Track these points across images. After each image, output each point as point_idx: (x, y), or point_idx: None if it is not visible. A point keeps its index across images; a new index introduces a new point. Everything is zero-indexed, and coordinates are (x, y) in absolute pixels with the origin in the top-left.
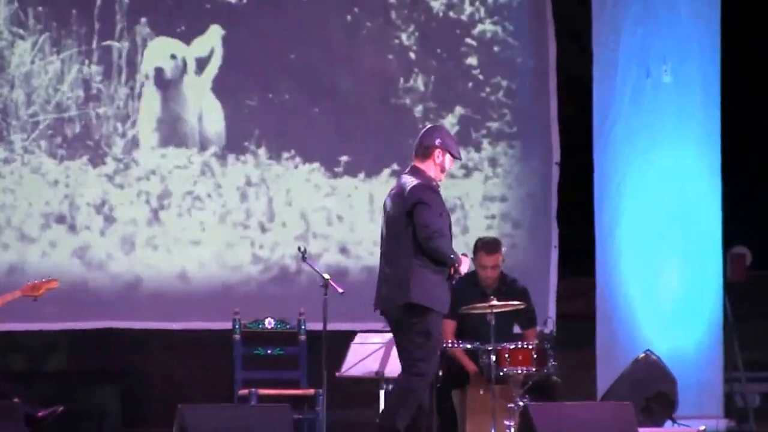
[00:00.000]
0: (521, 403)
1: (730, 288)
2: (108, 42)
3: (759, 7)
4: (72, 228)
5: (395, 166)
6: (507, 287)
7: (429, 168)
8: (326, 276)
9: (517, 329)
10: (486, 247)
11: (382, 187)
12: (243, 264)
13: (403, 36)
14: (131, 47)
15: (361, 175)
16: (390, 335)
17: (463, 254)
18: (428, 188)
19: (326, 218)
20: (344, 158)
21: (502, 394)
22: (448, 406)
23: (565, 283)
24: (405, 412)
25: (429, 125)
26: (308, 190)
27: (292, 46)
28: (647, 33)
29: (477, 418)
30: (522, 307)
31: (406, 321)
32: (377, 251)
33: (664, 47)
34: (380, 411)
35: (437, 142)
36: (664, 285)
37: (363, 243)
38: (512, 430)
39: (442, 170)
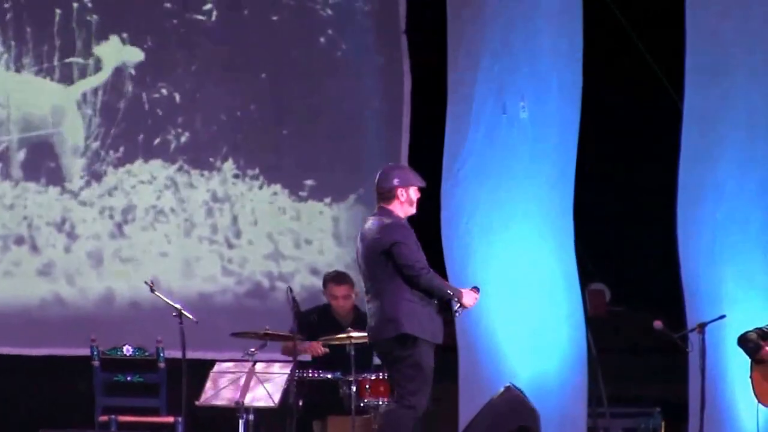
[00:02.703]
0: None
1: (590, 323)
2: (70, 59)
3: (619, 49)
4: None
5: (361, 191)
6: (362, 318)
7: (396, 208)
8: (178, 306)
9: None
10: (335, 278)
11: (347, 212)
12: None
13: (381, 59)
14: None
15: (327, 200)
16: (249, 364)
17: (473, 288)
18: (400, 227)
19: (294, 241)
20: (309, 182)
21: (362, 426)
22: None
23: None
24: None
25: (382, 169)
26: (273, 212)
27: (263, 65)
28: (504, 69)
29: None
30: None
31: (397, 354)
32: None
33: (523, 84)
34: None
35: (395, 182)
36: (524, 318)
37: (334, 266)
38: None
39: (411, 204)
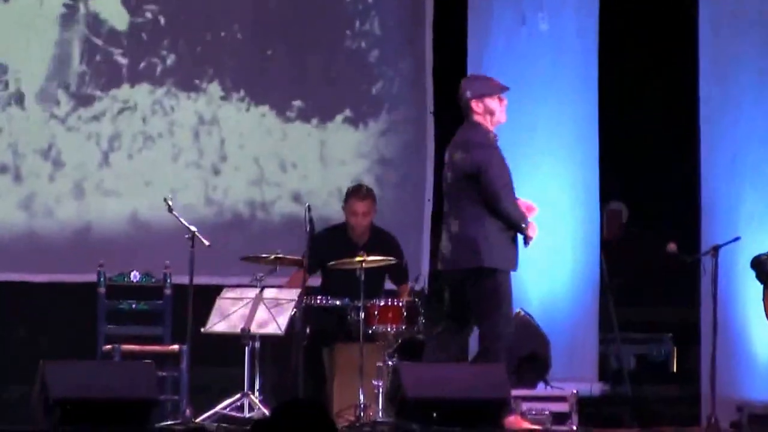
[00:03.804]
0: (390, 363)
1: (604, 246)
2: None
3: None
4: None
5: (348, 113)
6: (378, 238)
7: (480, 120)
8: (193, 228)
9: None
10: (357, 191)
11: (334, 133)
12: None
13: None
14: None
15: (314, 121)
16: (256, 290)
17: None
18: (488, 146)
19: (280, 165)
20: (297, 103)
21: (370, 353)
22: (317, 364)
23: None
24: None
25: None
26: (260, 134)
27: None
28: None
29: (345, 377)
30: (393, 262)
31: (475, 283)
32: (332, 201)
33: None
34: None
35: (467, 95)
36: (539, 240)
37: (317, 193)
38: (380, 389)
39: (492, 114)
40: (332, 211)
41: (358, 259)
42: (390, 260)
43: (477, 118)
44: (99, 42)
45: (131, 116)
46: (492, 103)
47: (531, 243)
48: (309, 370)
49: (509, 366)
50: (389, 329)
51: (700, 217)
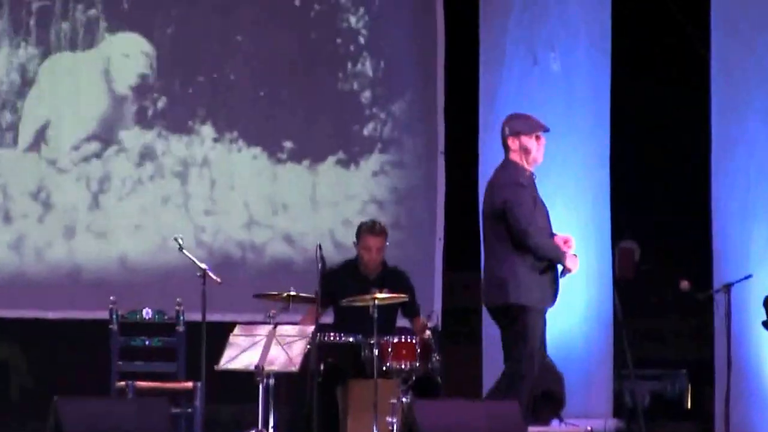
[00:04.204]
0: (404, 400)
1: (617, 284)
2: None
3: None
4: None
5: (341, 154)
6: (389, 273)
7: (516, 158)
8: (203, 266)
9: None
10: (372, 228)
11: (325, 175)
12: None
13: (353, 19)
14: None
15: (306, 162)
16: (269, 327)
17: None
18: (514, 185)
19: (271, 207)
20: (288, 144)
21: (384, 390)
22: (331, 400)
23: (449, 277)
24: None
25: None
26: (252, 176)
27: (239, 27)
28: (534, 19)
29: (359, 413)
30: (406, 299)
31: (503, 320)
32: (323, 242)
33: (552, 35)
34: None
35: (506, 131)
36: None
37: (307, 236)
38: (395, 426)
39: (528, 153)
40: (324, 252)
41: (371, 296)
42: (403, 297)
43: (512, 156)
44: None
45: (121, 158)
46: (528, 141)
47: (568, 274)
48: (323, 406)
49: (524, 403)
50: (403, 366)
51: (712, 254)
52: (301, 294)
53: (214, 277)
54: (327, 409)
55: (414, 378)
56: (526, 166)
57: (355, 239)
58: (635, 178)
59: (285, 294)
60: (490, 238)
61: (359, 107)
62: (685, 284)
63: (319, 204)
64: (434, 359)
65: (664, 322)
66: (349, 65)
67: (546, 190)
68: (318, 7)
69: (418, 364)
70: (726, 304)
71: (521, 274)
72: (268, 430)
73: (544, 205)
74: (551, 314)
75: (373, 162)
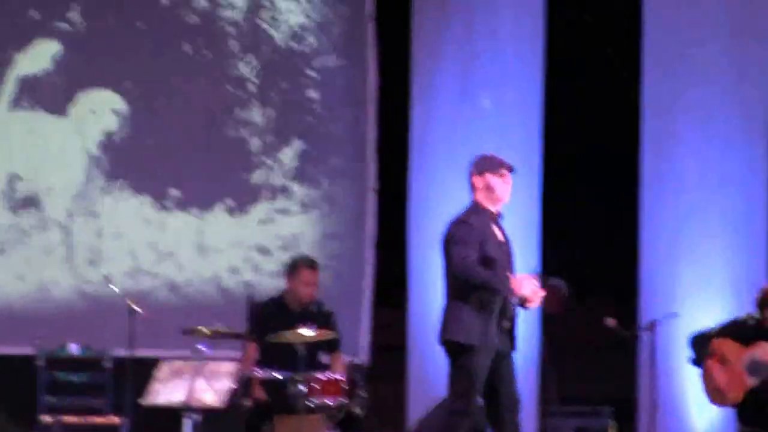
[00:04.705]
0: None
1: (543, 320)
2: None
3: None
4: None
5: (229, 202)
6: (315, 309)
7: (480, 198)
8: (130, 302)
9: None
10: (309, 262)
11: (213, 223)
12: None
13: (242, 66)
14: None
15: (194, 210)
16: (196, 363)
17: (535, 274)
18: (457, 222)
19: (156, 254)
20: (175, 192)
21: (310, 426)
22: None
23: (377, 314)
24: None
25: None
26: (138, 224)
27: (127, 74)
28: (467, 58)
29: None
30: (332, 337)
31: (448, 357)
32: (206, 288)
33: (485, 73)
34: None
35: (471, 171)
36: None
37: (193, 281)
38: None
39: (491, 191)
40: (206, 298)
41: (298, 333)
42: (330, 334)
43: (477, 195)
44: None
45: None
46: (493, 179)
47: (530, 305)
48: None
49: None
50: (330, 402)
51: (638, 292)
52: (228, 330)
53: (140, 311)
54: None
55: (340, 414)
56: (489, 206)
57: (287, 274)
58: (565, 216)
59: (212, 330)
60: (443, 275)
61: (247, 155)
62: (611, 321)
63: (206, 251)
64: (360, 395)
65: (590, 359)
66: (237, 111)
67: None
68: (208, 54)
69: (344, 400)
70: (651, 342)
71: (462, 312)
72: None
73: (508, 242)
74: None
75: (260, 209)
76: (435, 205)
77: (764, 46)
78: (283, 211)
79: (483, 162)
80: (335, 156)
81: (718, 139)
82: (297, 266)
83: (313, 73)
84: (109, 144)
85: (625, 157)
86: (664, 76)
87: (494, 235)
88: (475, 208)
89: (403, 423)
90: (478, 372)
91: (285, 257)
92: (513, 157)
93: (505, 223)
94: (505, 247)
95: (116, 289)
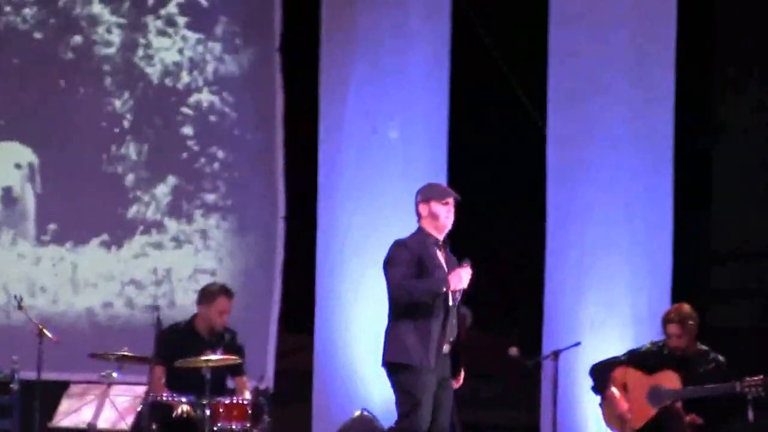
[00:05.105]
0: None
1: None
2: None
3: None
4: None
5: (105, 237)
6: (223, 334)
7: (425, 225)
8: (40, 326)
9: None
10: (226, 291)
11: (88, 257)
12: None
13: (117, 103)
14: None
15: (68, 245)
16: (103, 386)
17: (463, 263)
18: (397, 245)
19: (28, 289)
20: (52, 226)
21: None
22: None
23: (285, 338)
24: None
25: None
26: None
27: (2, 110)
28: (375, 90)
29: None
30: (239, 362)
31: (389, 379)
32: (80, 323)
33: (392, 104)
34: None
35: (417, 198)
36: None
37: (66, 315)
38: None
39: (435, 218)
40: (77, 332)
41: (206, 358)
42: (236, 359)
43: (422, 222)
44: None
45: None
46: (437, 207)
47: (458, 296)
48: None
49: None
50: (234, 427)
51: (542, 322)
52: (136, 354)
53: (50, 335)
54: None
55: None
56: (433, 232)
57: (201, 301)
58: (469, 244)
59: (119, 354)
60: (388, 298)
61: (123, 190)
62: (514, 350)
63: (79, 285)
64: (265, 420)
65: (492, 387)
66: (113, 148)
67: (383, 255)
68: (83, 90)
69: (249, 425)
70: (554, 371)
71: (400, 332)
72: None
73: (439, 266)
74: (381, 377)
75: (135, 244)
76: (343, 232)
77: (667, 76)
78: (157, 246)
79: (429, 190)
80: (210, 192)
81: (625, 170)
82: (214, 294)
83: (187, 110)
84: None
85: (531, 187)
86: (571, 105)
87: (435, 257)
88: (420, 233)
89: None
90: (420, 392)
91: (159, 291)
92: (420, 184)
93: None
94: (444, 272)
95: (28, 314)
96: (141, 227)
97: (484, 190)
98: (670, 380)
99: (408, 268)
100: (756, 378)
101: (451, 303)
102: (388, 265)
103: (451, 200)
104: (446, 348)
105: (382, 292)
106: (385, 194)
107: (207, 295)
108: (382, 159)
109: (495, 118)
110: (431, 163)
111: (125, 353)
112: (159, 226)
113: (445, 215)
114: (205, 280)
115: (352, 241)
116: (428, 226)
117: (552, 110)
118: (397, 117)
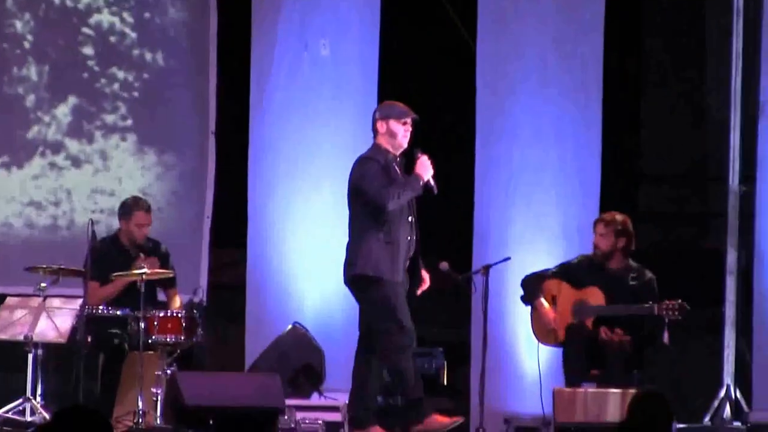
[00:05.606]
0: (169, 371)
1: None
2: None
3: None
4: None
5: (5, 158)
6: (150, 247)
7: (382, 141)
8: None
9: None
10: (141, 204)
11: None
12: None
13: (18, 24)
14: None
15: None
16: (39, 299)
17: (418, 156)
18: (365, 160)
19: None
20: None
21: (151, 362)
22: (100, 372)
23: (217, 253)
24: (413, 385)
25: None
26: None
27: None
28: (306, 9)
29: (127, 385)
30: (171, 275)
31: (358, 293)
32: None
33: (323, 23)
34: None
35: (375, 115)
36: (316, 257)
37: None
38: (159, 397)
39: (393, 136)
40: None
41: (140, 270)
42: (168, 273)
43: (379, 139)
44: None
45: None
46: (396, 125)
47: (432, 183)
48: (92, 377)
49: (285, 376)
50: (168, 339)
51: (472, 237)
52: (71, 267)
53: None
54: (96, 380)
55: (179, 351)
56: (390, 149)
57: (120, 216)
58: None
59: (55, 267)
60: (349, 214)
61: (24, 111)
62: (444, 265)
63: None
64: (199, 333)
65: (423, 301)
66: (15, 69)
67: (316, 174)
68: None
69: (183, 338)
70: (484, 285)
71: (372, 247)
72: (36, 398)
73: (391, 173)
74: (311, 289)
75: (35, 165)
76: (274, 147)
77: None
78: (56, 167)
79: (388, 108)
80: (112, 112)
81: (555, 92)
82: (130, 208)
83: (89, 30)
84: None
85: (462, 107)
86: (500, 27)
87: (397, 173)
88: (378, 149)
89: (242, 360)
90: (399, 303)
91: (58, 212)
92: (351, 106)
93: (344, 171)
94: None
95: None
96: (41, 148)
97: (414, 107)
98: (594, 296)
99: (383, 178)
100: (673, 302)
101: (410, 219)
102: (363, 180)
103: (409, 120)
104: (407, 262)
105: (315, 208)
106: (317, 111)
107: (124, 210)
108: (313, 78)
109: (426, 38)
110: (362, 81)
111: (60, 267)
112: (59, 147)
113: (402, 134)
114: (103, 201)
115: (284, 157)
116: (385, 143)
117: (481, 32)
118: (328, 35)
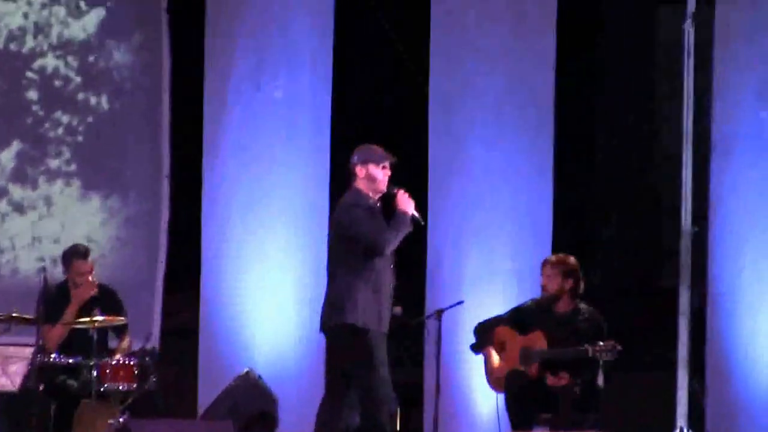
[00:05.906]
0: (121, 420)
1: None
2: None
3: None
4: None
5: None
6: (102, 294)
7: (360, 186)
8: None
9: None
10: (82, 252)
11: None
12: None
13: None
14: None
15: None
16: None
17: (395, 192)
18: (350, 207)
19: None
20: None
21: (103, 410)
22: (51, 420)
23: (171, 298)
24: None
25: None
26: None
27: None
28: (259, 50)
29: None
30: (124, 322)
31: (340, 343)
32: None
33: (277, 62)
34: None
35: (354, 159)
36: (268, 301)
37: None
38: None
39: (372, 181)
40: None
41: (91, 319)
42: (121, 320)
43: (358, 183)
44: None
45: None
46: (375, 170)
47: (417, 215)
48: (43, 426)
49: (238, 424)
50: (121, 387)
51: (425, 280)
52: (24, 315)
53: None
54: (48, 429)
55: (131, 399)
56: (370, 193)
57: (63, 267)
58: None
59: (5, 315)
60: (332, 259)
61: None
62: (397, 309)
63: None
64: (152, 380)
65: None
66: None
67: (270, 216)
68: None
69: (135, 385)
70: (437, 330)
71: (359, 296)
72: None
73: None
74: (267, 336)
75: None
76: (227, 191)
77: (546, 39)
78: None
79: (367, 152)
80: (56, 157)
81: (507, 131)
82: (69, 258)
83: (32, 75)
84: None
85: (414, 144)
86: (451, 66)
87: (381, 217)
88: (358, 194)
89: (194, 405)
90: (382, 357)
91: (2, 260)
92: (303, 146)
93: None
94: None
95: None
96: None
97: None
98: (538, 341)
99: (375, 223)
100: (607, 343)
101: (391, 265)
102: (356, 226)
103: (388, 164)
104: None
105: (269, 251)
106: (270, 153)
107: (64, 260)
108: (265, 118)
109: (378, 77)
110: (315, 122)
111: (10, 314)
112: (3, 193)
113: (381, 178)
114: (46, 249)
115: (238, 199)
116: (365, 188)
117: (433, 68)
118: (281, 77)
